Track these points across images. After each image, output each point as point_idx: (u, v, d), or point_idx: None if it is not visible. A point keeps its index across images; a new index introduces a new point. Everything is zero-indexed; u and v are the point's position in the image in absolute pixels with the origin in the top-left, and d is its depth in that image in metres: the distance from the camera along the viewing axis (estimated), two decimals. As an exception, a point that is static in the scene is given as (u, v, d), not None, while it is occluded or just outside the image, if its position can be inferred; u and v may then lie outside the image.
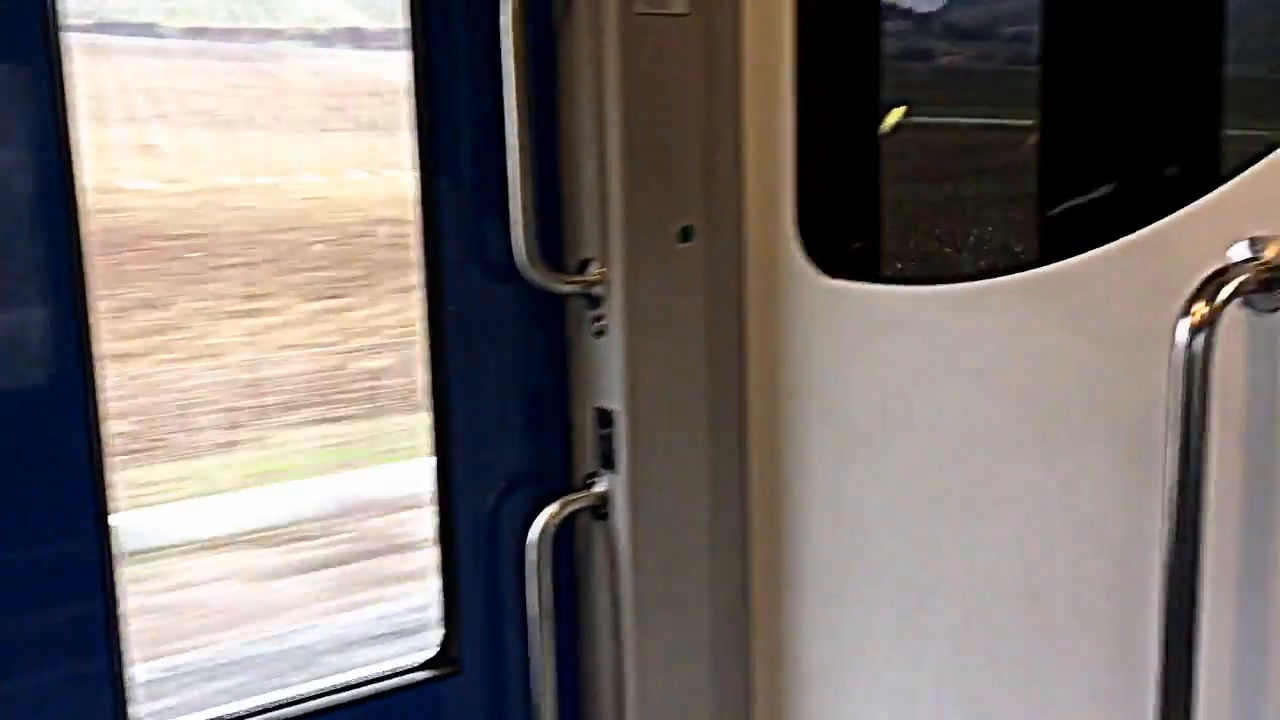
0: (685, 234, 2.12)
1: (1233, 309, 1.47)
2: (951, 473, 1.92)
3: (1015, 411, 1.82)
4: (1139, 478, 1.66)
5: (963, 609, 1.92)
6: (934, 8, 2.38)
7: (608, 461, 2.14)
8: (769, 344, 2.17)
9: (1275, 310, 1.50)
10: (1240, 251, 1.52)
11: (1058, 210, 1.83)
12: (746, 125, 2.13)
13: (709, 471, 2.18)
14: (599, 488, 2.16)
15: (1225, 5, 1.68)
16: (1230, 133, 1.63)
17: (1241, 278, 1.47)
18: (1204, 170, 1.65)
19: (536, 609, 2.11)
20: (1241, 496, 1.56)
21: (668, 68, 2.03)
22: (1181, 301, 1.56)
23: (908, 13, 2.33)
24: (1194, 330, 1.45)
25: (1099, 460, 1.71)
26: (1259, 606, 1.57)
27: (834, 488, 2.11)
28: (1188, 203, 1.58)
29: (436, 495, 2.14)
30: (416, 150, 2.02)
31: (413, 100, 1.99)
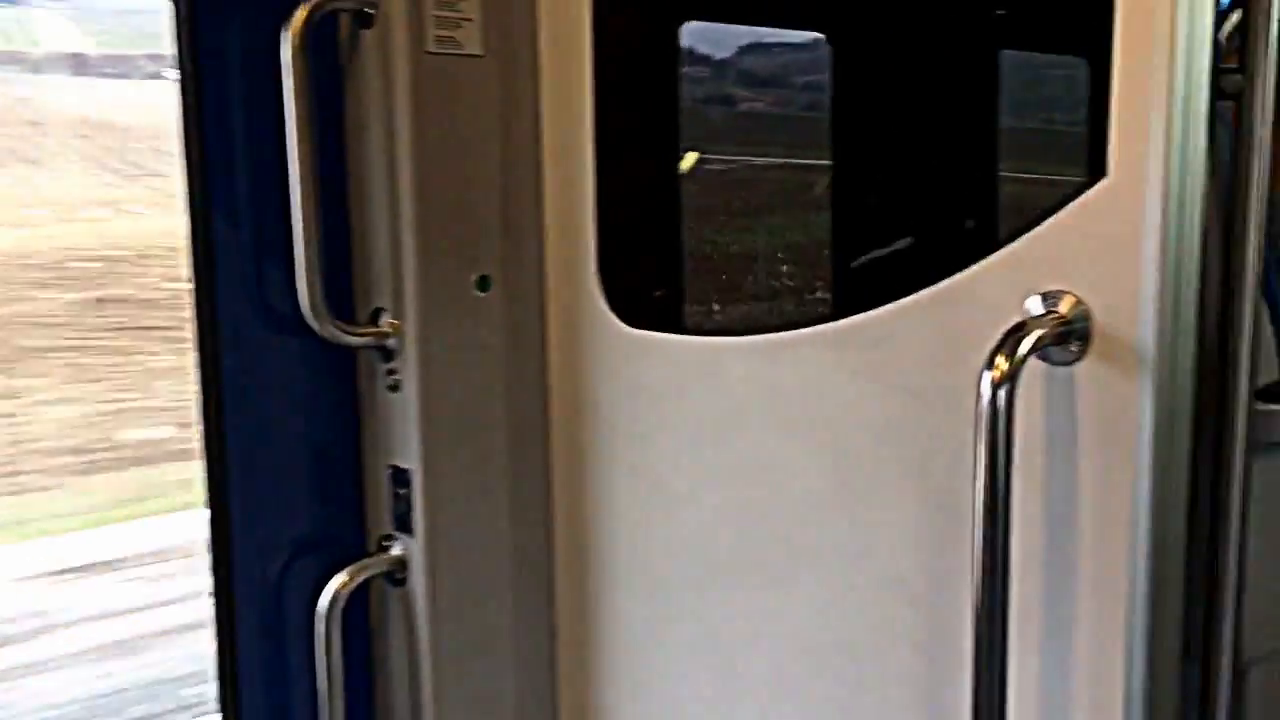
0: (483, 283, 2.03)
1: (1031, 361, 1.49)
2: (760, 528, 1.89)
3: (822, 465, 1.80)
4: (944, 530, 1.67)
5: (774, 667, 1.89)
6: (728, 54, 2.38)
7: (403, 524, 2.02)
8: (573, 398, 2.10)
9: (1070, 363, 1.53)
10: (1035, 305, 1.54)
11: (857, 262, 1.83)
12: (546, 170, 2.06)
13: (511, 533, 2.09)
14: (395, 551, 2.03)
15: (999, 59, 1.73)
16: (1015, 187, 1.67)
17: (1039, 332, 1.49)
18: (996, 225, 1.69)
19: (326, 684, 1.97)
20: (1044, 545, 1.58)
21: (462, 110, 1.95)
22: (980, 354, 1.58)
23: (706, 59, 2.32)
24: (996, 384, 1.47)
25: (905, 513, 1.71)
26: (1062, 656, 1.59)
27: (642, 546, 2.05)
28: (982, 257, 1.60)
29: (212, 565, 1.97)
30: (187, 191, 1.87)
31: (181, 137, 1.84)
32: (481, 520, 2.05)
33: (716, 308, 2.11)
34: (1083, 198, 1.49)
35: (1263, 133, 1.52)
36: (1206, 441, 1.58)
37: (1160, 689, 1.56)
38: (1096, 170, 1.48)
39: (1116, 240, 1.48)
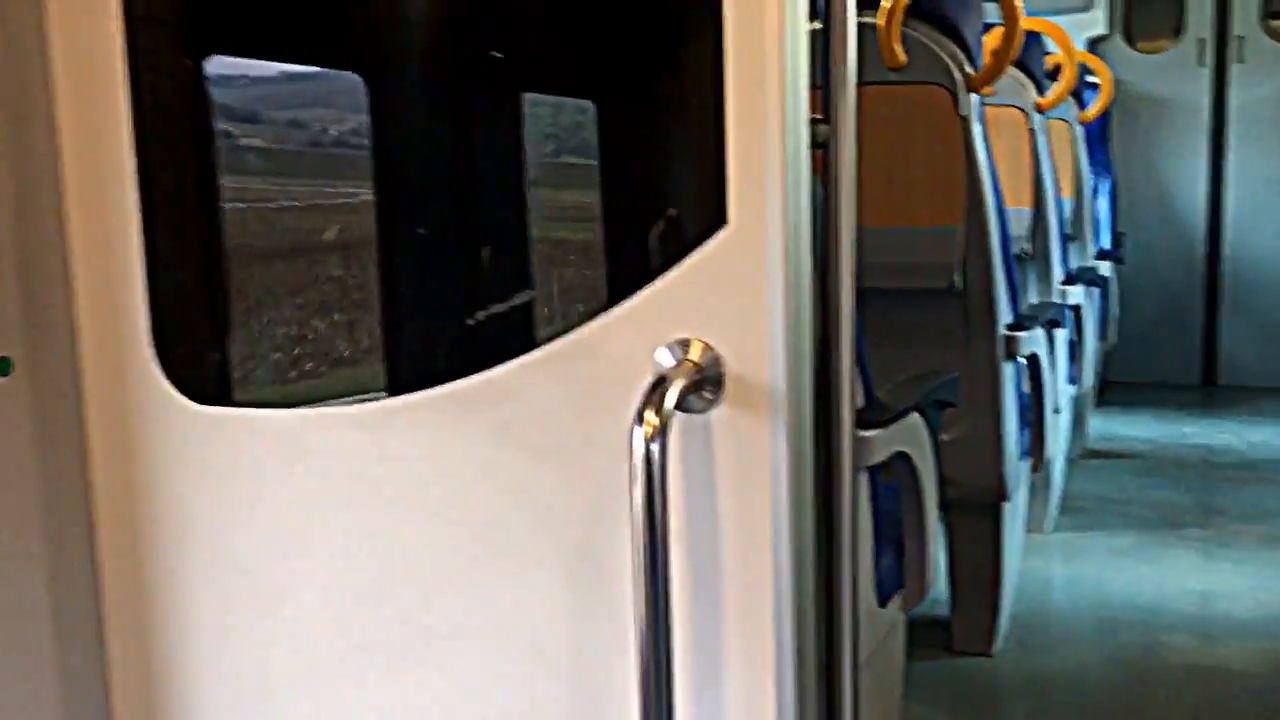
0: (2, 367, 1.68)
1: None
2: (374, 615, 1.73)
3: (448, 537, 1.68)
4: (589, 595, 1.62)
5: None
6: (269, 95, 2.17)
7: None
8: (130, 487, 1.79)
9: (705, 410, 1.54)
10: (665, 356, 1.54)
11: (476, 318, 1.73)
12: (75, 233, 1.75)
13: (55, 659, 1.74)
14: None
15: (605, 106, 1.72)
16: (637, 236, 1.66)
17: (681, 381, 1.48)
18: (620, 276, 1.67)
19: None
20: (693, 596, 1.58)
21: None
22: (613, 408, 1.55)
23: (245, 100, 2.10)
24: (649, 440, 1.44)
25: (544, 580, 1.64)
26: (716, 699, 1.60)
27: (229, 652, 1.79)
28: (607, 309, 1.57)
29: None
30: None
31: None
32: (14, 641, 1.69)
33: (307, 374, 1.90)
34: (705, 246, 1.51)
35: (848, 178, 1.63)
36: (820, 471, 1.67)
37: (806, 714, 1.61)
38: (717, 219, 1.50)
39: (740, 286, 1.51)
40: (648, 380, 1.49)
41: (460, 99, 1.86)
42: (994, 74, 2.57)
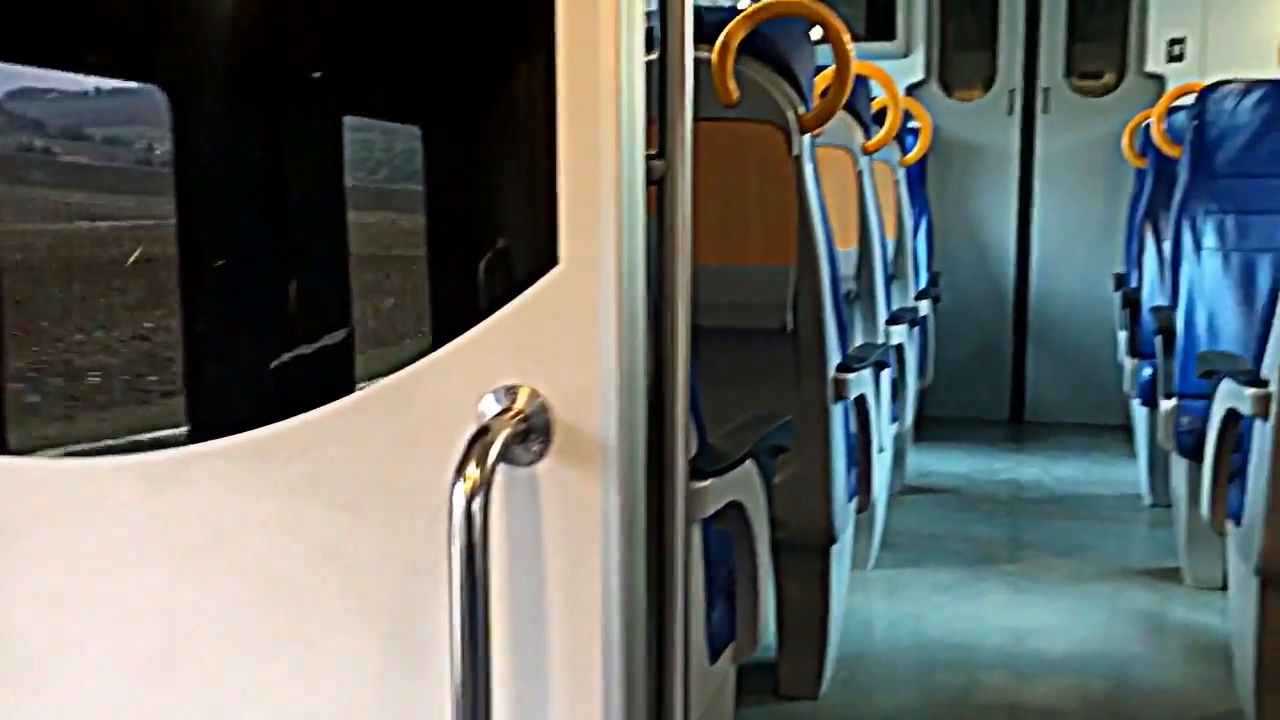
0: None
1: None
2: (161, 697, 1.55)
3: (244, 604, 1.52)
4: (401, 657, 1.49)
5: None
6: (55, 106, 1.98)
7: None
8: None
9: (532, 462, 1.43)
10: (490, 404, 1.43)
11: (284, 359, 1.58)
12: None
13: None
14: None
15: (431, 137, 1.60)
16: (460, 276, 1.55)
17: (505, 432, 1.37)
18: (441, 318, 1.55)
19: None
20: (516, 658, 1.47)
21: None
22: (432, 459, 1.43)
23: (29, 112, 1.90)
24: (470, 496, 1.32)
25: (355, 649, 1.50)
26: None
27: None
28: (427, 353, 1.45)
29: None
30: None
31: None
32: None
33: (89, 416, 1.71)
34: (534, 287, 1.41)
35: (684, 217, 1.56)
36: (652, 522, 1.58)
37: None
38: (548, 258, 1.41)
39: (571, 330, 1.41)
40: (470, 430, 1.38)
41: (274, 120, 1.71)
42: (826, 115, 2.56)
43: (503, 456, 1.37)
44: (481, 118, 1.50)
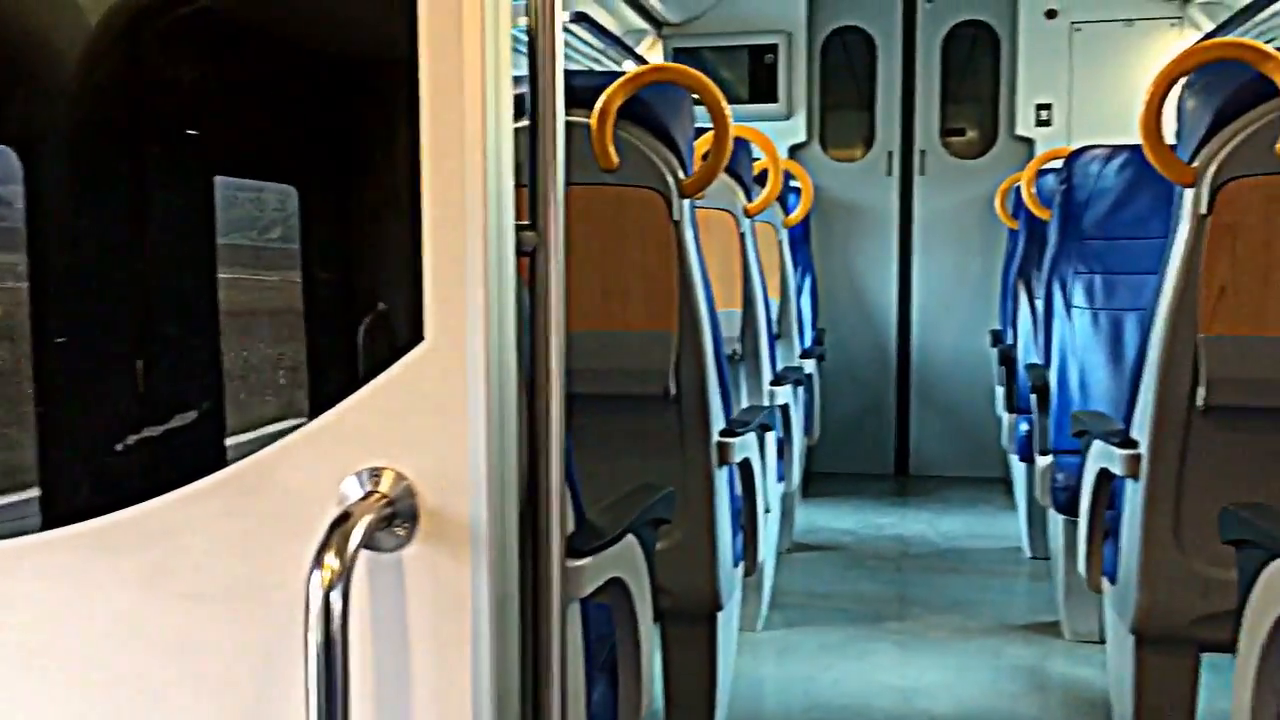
0: None
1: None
2: None
3: (85, 706, 1.41)
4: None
5: None
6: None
7: None
8: None
9: (398, 548, 1.36)
10: (352, 487, 1.36)
11: (129, 441, 1.48)
12: None
13: None
14: None
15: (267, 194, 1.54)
16: (320, 354, 1.47)
17: (368, 518, 1.30)
18: (299, 397, 1.47)
19: None
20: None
21: None
22: (291, 545, 1.36)
23: None
24: (329, 587, 1.25)
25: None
26: None
27: None
28: (283, 435, 1.38)
29: None
30: None
31: None
32: None
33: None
34: (399, 365, 1.35)
35: (557, 289, 1.52)
36: (527, 603, 1.52)
37: None
38: (414, 334, 1.35)
39: (438, 409, 1.36)
40: (330, 516, 1.30)
41: (130, 185, 1.62)
42: (706, 180, 2.56)
43: (365, 543, 1.30)
44: (343, 190, 1.44)
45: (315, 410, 1.37)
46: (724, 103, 2.54)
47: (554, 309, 1.52)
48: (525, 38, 1.51)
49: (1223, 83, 2.48)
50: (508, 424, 1.41)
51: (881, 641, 4.20)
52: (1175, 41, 6.53)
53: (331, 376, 1.41)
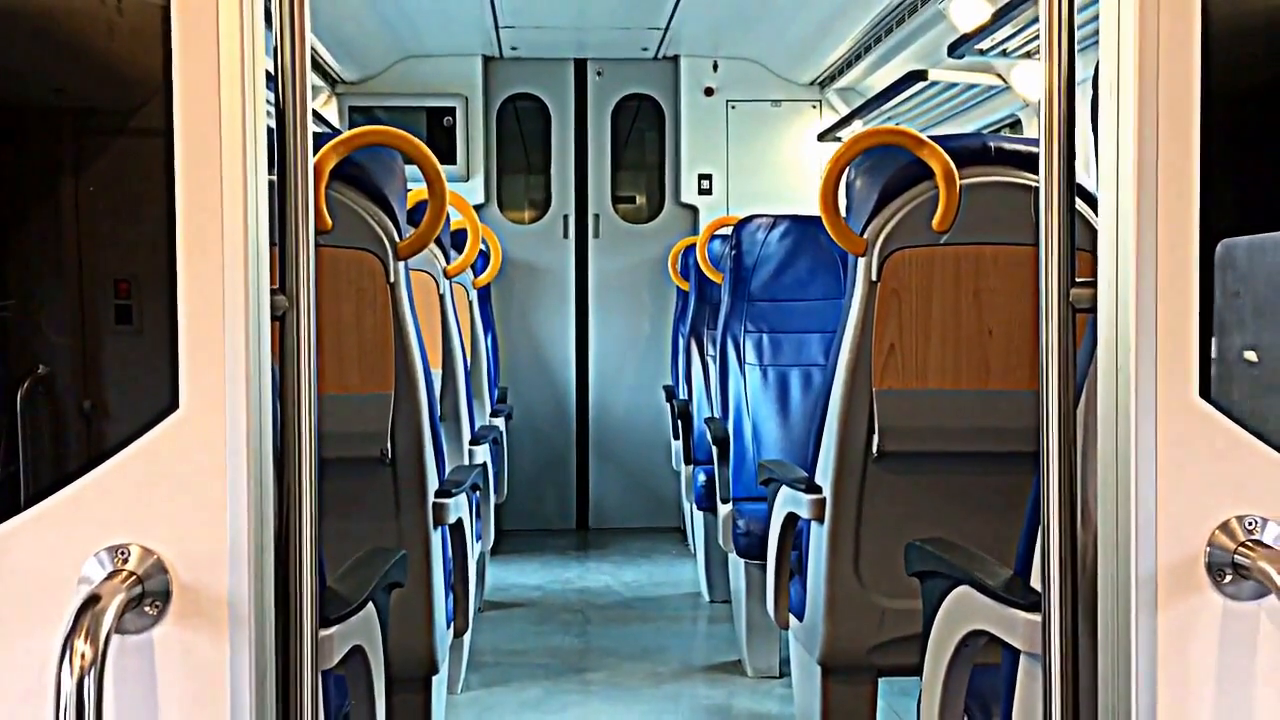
0: None
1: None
2: None
3: None
4: None
5: None
6: None
7: None
8: None
9: (148, 628, 1.29)
10: (94, 568, 1.27)
11: None
12: None
13: None
14: None
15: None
16: (72, 425, 1.37)
17: (119, 598, 1.23)
18: (31, 473, 1.36)
19: None
20: None
21: None
22: (28, 637, 1.26)
23: None
24: (82, 675, 1.16)
25: None
26: None
27: None
28: (21, 509, 1.28)
29: None
30: None
31: None
32: None
33: None
34: (149, 435, 1.29)
35: (307, 353, 1.49)
36: (279, 678, 1.47)
37: None
38: (167, 402, 1.29)
39: (191, 480, 1.30)
40: (73, 599, 1.22)
41: None
42: (423, 243, 2.57)
43: (115, 625, 1.22)
44: (94, 257, 1.36)
45: (56, 484, 1.28)
46: (440, 168, 2.57)
47: (304, 374, 1.49)
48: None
49: (886, 165, 2.78)
50: (265, 494, 1.37)
51: (578, 694, 4.28)
52: (815, 121, 7.18)
53: (74, 449, 1.32)
